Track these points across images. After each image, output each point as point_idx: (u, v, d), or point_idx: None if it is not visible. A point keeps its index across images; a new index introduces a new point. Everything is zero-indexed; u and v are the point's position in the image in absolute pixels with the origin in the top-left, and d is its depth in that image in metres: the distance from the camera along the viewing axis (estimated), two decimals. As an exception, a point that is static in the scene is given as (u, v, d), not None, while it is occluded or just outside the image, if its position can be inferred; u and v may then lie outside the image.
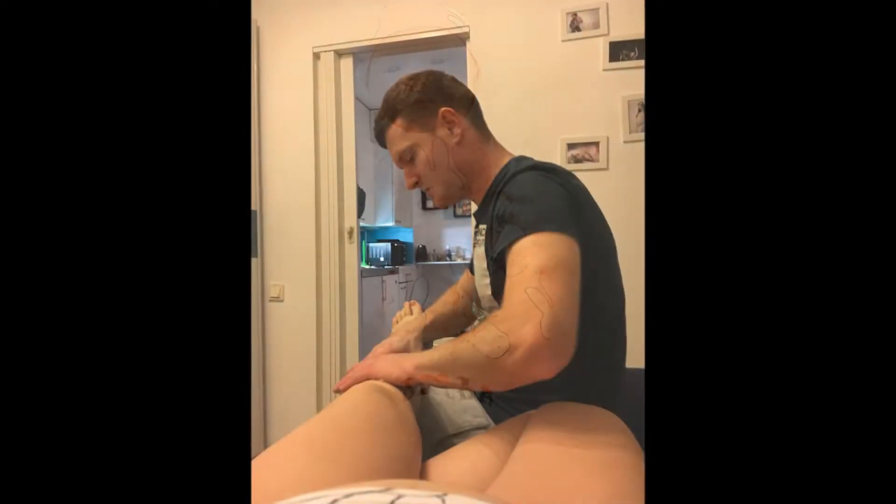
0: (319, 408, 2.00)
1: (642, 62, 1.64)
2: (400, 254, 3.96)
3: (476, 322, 0.86)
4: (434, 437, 0.70)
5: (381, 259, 3.82)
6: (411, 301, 1.08)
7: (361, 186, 2.88)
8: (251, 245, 2.01)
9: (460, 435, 0.70)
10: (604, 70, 1.67)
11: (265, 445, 2.05)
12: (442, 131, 0.74)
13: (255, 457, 0.43)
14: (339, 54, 2.01)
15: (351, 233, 2.02)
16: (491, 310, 0.72)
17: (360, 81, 2.19)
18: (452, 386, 0.56)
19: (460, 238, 4.54)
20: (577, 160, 1.69)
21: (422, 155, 0.74)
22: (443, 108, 0.73)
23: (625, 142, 1.65)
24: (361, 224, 3.31)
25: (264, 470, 0.40)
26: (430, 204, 4.56)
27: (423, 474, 0.54)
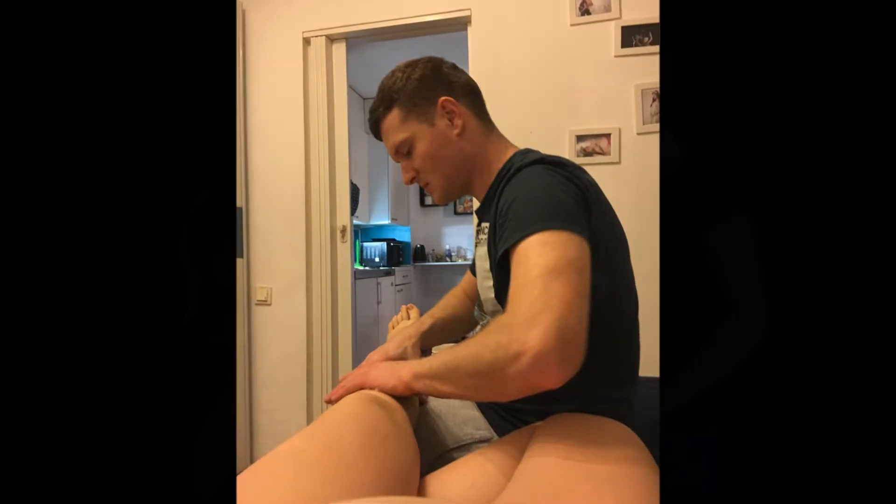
0: (310, 419, 2.00)
1: (657, 48, 1.64)
2: (396, 254, 3.96)
3: (478, 327, 0.86)
4: (433, 450, 0.70)
5: (377, 259, 3.83)
6: (409, 305, 1.08)
7: (355, 181, 2.88)
8: (236, 245, 2.02)
9: (461, 448, 0.70)
10: (615, 56, 1.68)
11: (251, 460, 2.05)
12: (441, 122, 0.74)
13: (241, 472, 0.43)
14: (331, 39, 2.01)
15: (343, 231, 2.02)
16: (494, 314, 0.72)
17: (354, 68, 2.19)
18: (453, 396, 0.56)
19: (461, 237, 4.54)
20: (586, 153, 1.69)
21: (420, 147, 0.74)
22: (442, 98, 0.73)
23: (638, 133, 1.66)
24: (355, 222, 3.32)
25: (250, 486, 0.40)
26: (428, 200, 4.56)
27: (421, 490, 0.54)
